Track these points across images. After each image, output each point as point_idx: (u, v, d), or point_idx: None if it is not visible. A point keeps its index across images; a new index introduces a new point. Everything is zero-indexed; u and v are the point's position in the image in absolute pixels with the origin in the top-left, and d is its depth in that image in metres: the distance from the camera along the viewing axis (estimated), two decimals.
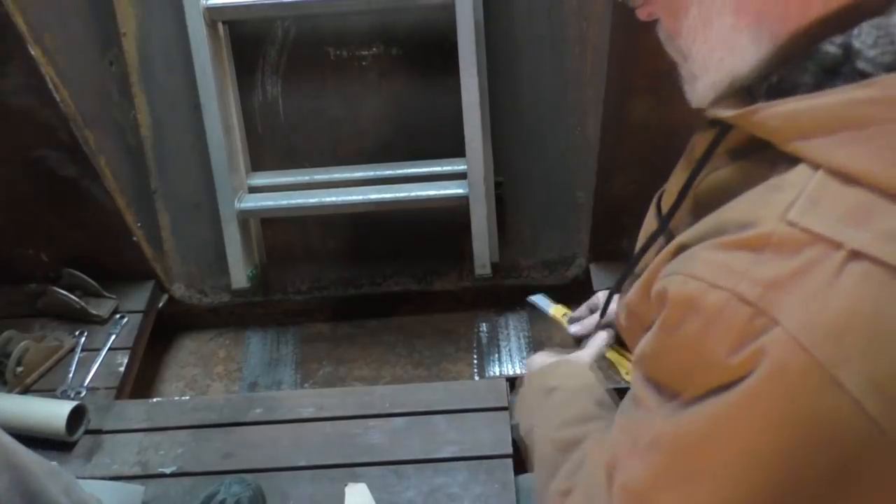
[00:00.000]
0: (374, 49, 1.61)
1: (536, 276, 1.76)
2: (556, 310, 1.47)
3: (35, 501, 0.92)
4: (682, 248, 0.59)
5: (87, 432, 1.37)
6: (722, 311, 0.50)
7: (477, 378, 1.67)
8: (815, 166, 0.51)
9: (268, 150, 1.71)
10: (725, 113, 0.58)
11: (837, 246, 0.48)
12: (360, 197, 1.63)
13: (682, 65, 0.63)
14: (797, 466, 0.49)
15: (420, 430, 1.33)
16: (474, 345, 1.74)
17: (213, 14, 1.52)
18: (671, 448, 0.55)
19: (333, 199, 1.63)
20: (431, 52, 1.60)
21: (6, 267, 1.64)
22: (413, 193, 1.62)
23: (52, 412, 1.33)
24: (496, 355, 1.71)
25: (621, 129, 1.43)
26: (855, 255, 0.47)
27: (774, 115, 0.53)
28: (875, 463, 0.48)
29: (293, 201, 1.65)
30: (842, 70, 0.52)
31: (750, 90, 0.59)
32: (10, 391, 1.42)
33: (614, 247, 1.61)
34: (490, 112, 1.59)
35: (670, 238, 0.66)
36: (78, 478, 1.26)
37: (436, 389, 1.40)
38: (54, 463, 1.17)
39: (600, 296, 1.33)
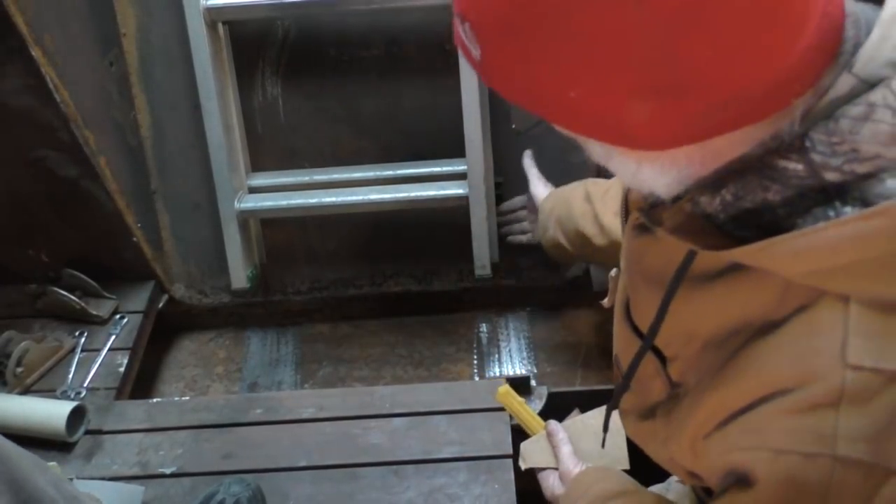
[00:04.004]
0: (374, 49, 1.61)
1: (536, 276, 1.76)
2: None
3: (21, 490, 0.91)
4: (732, 415, 0.55)
5: (87, 432, 1.37)
6: (830, 480, 0.48)
7: (477, 378, 1.67)
8: (843, 298, 0.48)
9: (268, 151, 1.71)
10: (734, 253, 0.51)
11: None
12: (360, 197, 1.63)
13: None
14: None
15: (420, 430, 1.33)
16: (474, 345, 1.74)
17: (213, 14, 1.52)
18: None
19: (333, 199, 1.63)
20: (431, 52, 1.60)
21: (6, 267, 1.64)
22: (413, 194, 1.62)
23: (51, 412, 1.33)
24: (496, 355, 1.71)
25: None
26: None
27: (789, 250, 0.48)
28: None
29: (293, 202, 1.64)
30: (810, 187, 0.48)
31: (700, 205, 0.54)
32: (10, 391, 1.42)
33: None
34: (490, 112, 1.59)
35: (660, 355, 0.64)
36: (78, 478, 1.26)
37: (436, 389, 1.40)
38: (48, 464, 1.17)
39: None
